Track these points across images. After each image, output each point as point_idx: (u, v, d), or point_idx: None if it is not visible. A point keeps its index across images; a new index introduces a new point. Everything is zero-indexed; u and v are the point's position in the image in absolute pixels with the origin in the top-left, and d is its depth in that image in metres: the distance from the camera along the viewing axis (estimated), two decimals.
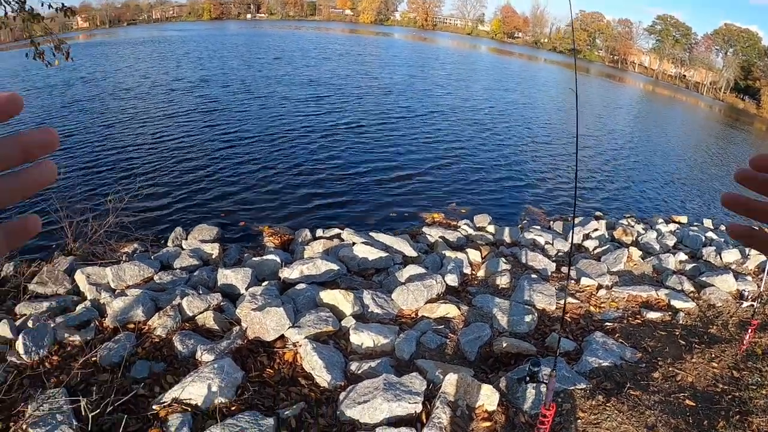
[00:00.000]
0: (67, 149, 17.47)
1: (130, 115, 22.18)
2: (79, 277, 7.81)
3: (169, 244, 10.45)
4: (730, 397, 5.15)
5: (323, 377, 5.28)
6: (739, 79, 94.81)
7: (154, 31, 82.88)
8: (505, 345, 6.22)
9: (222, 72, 34.16)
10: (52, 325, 6.21)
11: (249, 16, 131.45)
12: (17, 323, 6.41)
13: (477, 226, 12.65)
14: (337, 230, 10.84)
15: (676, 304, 8.00)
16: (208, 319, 6.55)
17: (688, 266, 10.32)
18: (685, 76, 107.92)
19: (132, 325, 6.45)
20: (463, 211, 14.15)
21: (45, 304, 7.01)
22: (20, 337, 5.74)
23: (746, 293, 8.36)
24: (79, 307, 7.01)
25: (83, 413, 4.29)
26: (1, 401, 4.62)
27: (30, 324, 6.28)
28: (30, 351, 5.65)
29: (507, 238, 11.70)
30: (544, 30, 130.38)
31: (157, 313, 6.59)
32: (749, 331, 6.03)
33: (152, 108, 23.62)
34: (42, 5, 7.88)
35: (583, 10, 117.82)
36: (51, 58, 8.00)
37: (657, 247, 11.72)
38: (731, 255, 10.94)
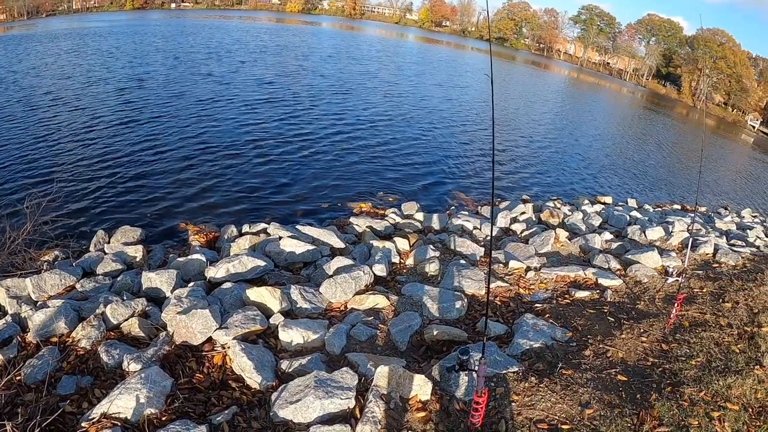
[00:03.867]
0: None
1: (44, 117, 21.30)
2: None
3: (92, 248, 10.12)
4: (660, 369, 5.24)
5: (254, 378, 5.18)
6: (660, 67, 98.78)
7: (75, 23, 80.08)
8: (435, 333, 6.22)
9: (145, 69, 33.08)
10: None
11: (173, 5, 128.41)
12: None
13: (405, 214, 12.69)
14: (263, 225, 10.71)
15: (604, 282, 8.17)
16: (133, 327, 6.34)
17: (614, 245, 10.57)
18: (609, 63, 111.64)
19: (55, 339, 6.19)
20: (391, 199, 14.23)
21: None
22: None
23: (671, 269, 8.61)
24: None
25: None
26: None
27: None
28: None
29: (435, 225, 11.74)
30: (471, 19, 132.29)
31: (80, 324, 6.32)
32: (676, 304, 6.16)
33: (68, 108, 22.78)
34: None
35: (510, 0, 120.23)
36: None
37: (583, 227, 11.97)
38: (655, 233, 11.26)
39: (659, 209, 17.08)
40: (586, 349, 5.83)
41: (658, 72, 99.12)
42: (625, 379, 5.07)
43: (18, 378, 5.26)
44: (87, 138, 18.30)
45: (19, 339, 6.24)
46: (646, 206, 16.82)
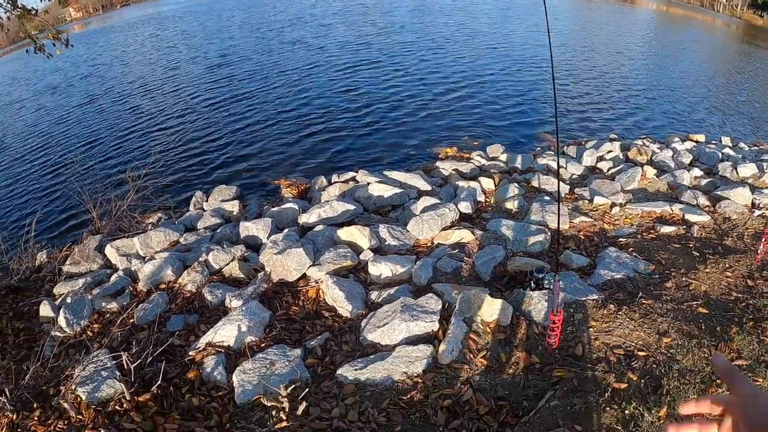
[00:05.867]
0: (84, 135, 17.93)
1: (135, 101, 22.35)
2: (109, 251, 8.19)
3: (191, 208, 10.75)
4: (743, 304, 5.21)
5: (345, 308, 5.52)
6: None
7: (150, 9, 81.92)
8: (518, 263, 6.37)
9: (230, 43, 33.48)
10: (89, 297, 6.57)
11: None
12: (57, 302, 6.78)
13: (490, 156, 12.67)
14: (351, 173, 11.01)
15: (691, 217, 8.00)
16: (234, 269, 6.84)
17: (704, 181, 10.27)
18: None
19: (164, 285, 6.82)
20: (476, 143, 14.20)
21: (81, 281, 7.38)
22: (61, 312, 6.11)
23: (758, 202, 8.35)
24: (112, 278, 7.36)
25: (125, 366, 4.59)
26: (50, 370, 4.96)
27: (69, 300, 6.61)
28: (72, 323, 6.03)
29: (520, 165, 11.72)
30: None
31: (186, 271, 6.92)
32: (763, 240, 6.04)
33: (157, 91, 23.68)
34: None
35: None
36: (52, 49, 8.19)
37: (672, 164, 11.64)
38: (748, 169, 10.83)
39: (755, 148, 16.26)
40: (668, 281, 5.81)
41: (753, 2, 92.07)
42: (706, 311, 5.08)
43: (131, 320, 5.85)
44: (174, 109, 19.33)
45: (131, 288, 6.92)
46: (741, 144, 16.02)
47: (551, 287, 4.05)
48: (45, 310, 6.54)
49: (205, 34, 38.65)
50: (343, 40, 29.67)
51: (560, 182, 9.83)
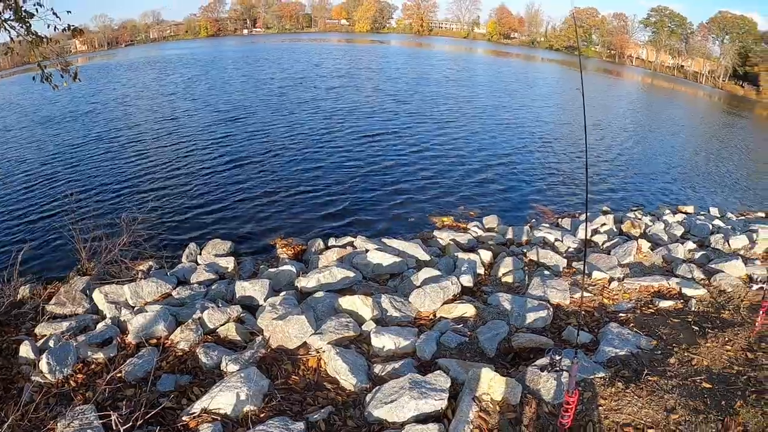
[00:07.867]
0: (78, 173, 17.81)
1: (136, 140, 22.43)
2: (97, 296, 7.97)
3: (184, 260, 10.59)
4: (745, 377, 5.24)
5: (348, 380, 5.39)
6: (737, 66, 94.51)
7: (153, 51, 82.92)
8: (523, 340, 6.33)
9: (235, 97, 33.57)
10: (74, 344, 6.34)
11: (245, 31, 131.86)
12: (38, 344, 6.56)
13: (487, 227, 12.80)
14: (349, 238, 11.01)
15: (688, 291, 8.05)
16: (230, 331, 6.69)
17: (697, 254, 10.36)
18: (683, 66, 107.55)
19: (154, 340, 6.60)
20: (472, 213, 14.35)
21: (65, 324, 7.16)
22: (43, 356, 5.87)
23: (756, 276, 8.42)
24: (99, 326, 7.17)
25: (114, 427, 4.37)
26: (29, 420, 4.72)
27: (51, 344, 6.43)
28: (54, 370, 5.79)
29: (517, 237, 11.81)
30: (539, 29, 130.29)
31: (178, 328, 6.73)
32: (761, 313, 6.08)
33: (158, 131, 23.85)
34: (48, 27, 8.00)
35: (577, 7, 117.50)
36: (59, 81, 8.12)
37: (665, 237, 11.79)
38: (739, 241, 11.00)
39: (743, 217, 16.55)
40: (671, 357, 5.84)
41: (734, 72, 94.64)
42: (710, 386, 5.09)
43: (119, 375, 5.60)
44: (174, 159, 19.32)
45: (119, 339, 6.69)
46: (729, 215, 16.32)
47: (567, 369, 3.97)
48: (25, 350, 6.30)
49: (208, 85, 38.75)
50: (350, 105, 30.04)
51: (558, 255, 9.94)
